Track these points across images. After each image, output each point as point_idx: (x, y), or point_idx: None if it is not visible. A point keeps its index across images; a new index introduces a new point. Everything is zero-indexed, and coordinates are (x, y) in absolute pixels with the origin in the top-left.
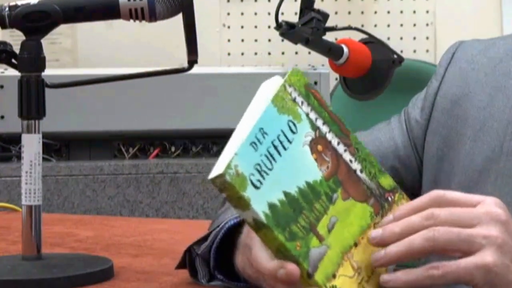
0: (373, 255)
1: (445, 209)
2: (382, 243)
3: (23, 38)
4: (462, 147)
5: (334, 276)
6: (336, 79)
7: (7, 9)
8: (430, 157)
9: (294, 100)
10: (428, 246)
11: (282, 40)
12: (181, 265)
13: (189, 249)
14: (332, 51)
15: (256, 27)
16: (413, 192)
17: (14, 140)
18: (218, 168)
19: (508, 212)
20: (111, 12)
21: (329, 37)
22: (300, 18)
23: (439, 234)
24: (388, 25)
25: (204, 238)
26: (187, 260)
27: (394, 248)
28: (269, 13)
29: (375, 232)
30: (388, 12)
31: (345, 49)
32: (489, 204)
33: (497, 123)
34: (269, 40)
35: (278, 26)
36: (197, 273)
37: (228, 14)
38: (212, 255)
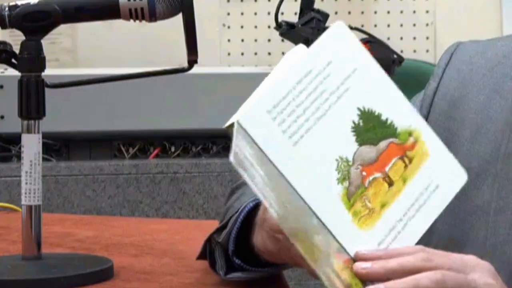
0: None
1: (439, 253)
2: (370, 276)
3: (23, 38)
4: (459, 149)
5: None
6: None
7: (7, 9)
8: None
9: None
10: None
11: (282, 40)
12: (202, 256)
13: (209, 239)
14: None
15: (256, 27)
16: None
17: (14, 140)
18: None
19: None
20: (111, 12)
21: None
22: (300, 18)
23: (448, 278)
24: (388, 25)
25: (224, 226)
26: (208, 251)
27: (398, 286)
28: (269, 13)
29: (364, 264)
30: (388, 12)
31: None
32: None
33: (494, 125)
34: (269, 40)
35: (278, 26)
36: (216, 264)
37: (228, 14)
38: (232, 239)
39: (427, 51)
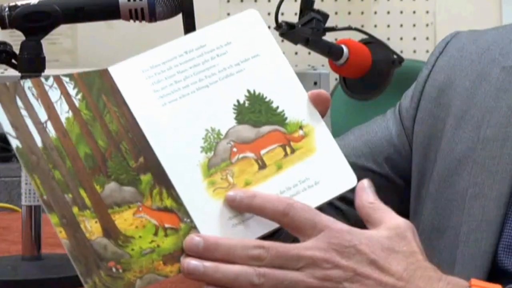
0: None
1: (272, 249)
2: (198, 255)
3: (23, 38)
4: (445, 136)
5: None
6: (336, 79)
7: (7, 9)
8: (417, 146)
9: None
10: None
11: (282, 40)
12: None
13: None
14: (332, 52)
15: None
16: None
17: None
18: None
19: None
20: (111, 12)
21: (329, 37)
22: (300, 18)
23: (266, 280)
24: (388, 26)
25: None
26: None
27: (214, 276)
28: (269, 13)
29: (197, 238)
30: (388, 12)
31: (345, 50)
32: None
33: (478, 111)
34: None
35: (278, 26)
36: None
37: (228, 14)
38: None
39: (427, 51)
